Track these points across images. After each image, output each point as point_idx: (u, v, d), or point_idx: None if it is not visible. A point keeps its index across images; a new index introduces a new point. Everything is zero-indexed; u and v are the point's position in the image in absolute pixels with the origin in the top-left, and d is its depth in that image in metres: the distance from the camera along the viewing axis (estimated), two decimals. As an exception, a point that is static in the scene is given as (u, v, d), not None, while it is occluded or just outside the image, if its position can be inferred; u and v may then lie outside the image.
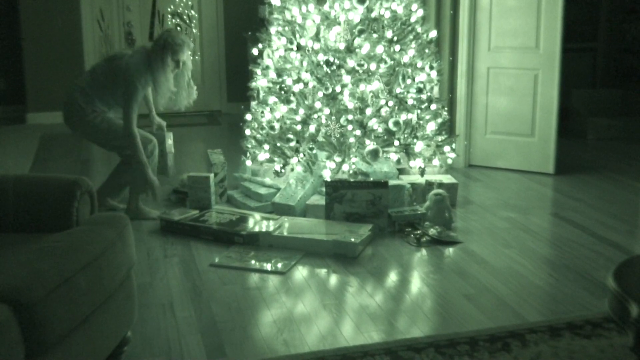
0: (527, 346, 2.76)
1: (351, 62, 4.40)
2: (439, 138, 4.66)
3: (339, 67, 4.40)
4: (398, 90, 4.49)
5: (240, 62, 7.39)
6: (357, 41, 4.44)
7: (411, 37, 4.60)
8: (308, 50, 4.49)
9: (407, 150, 4.52)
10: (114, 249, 2.46)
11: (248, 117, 4.84)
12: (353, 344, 2.80)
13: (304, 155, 4.44)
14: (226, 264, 3.63)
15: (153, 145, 4.29)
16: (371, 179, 4.27)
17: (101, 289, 2.36)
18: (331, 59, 4.38)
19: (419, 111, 4.57)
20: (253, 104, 4.83)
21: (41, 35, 7.17)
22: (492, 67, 5.37)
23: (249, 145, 4.77)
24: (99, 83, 4.20)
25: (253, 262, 3.65)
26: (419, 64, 4.62)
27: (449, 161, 4.79)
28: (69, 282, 2.17)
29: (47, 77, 7.18)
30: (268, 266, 3.59)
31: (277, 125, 4.51)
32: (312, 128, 4.41)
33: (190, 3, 7.82)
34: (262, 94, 4.70)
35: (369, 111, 4.41)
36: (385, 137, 4.43)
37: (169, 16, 7.78)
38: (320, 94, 4.41)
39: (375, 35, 4.47)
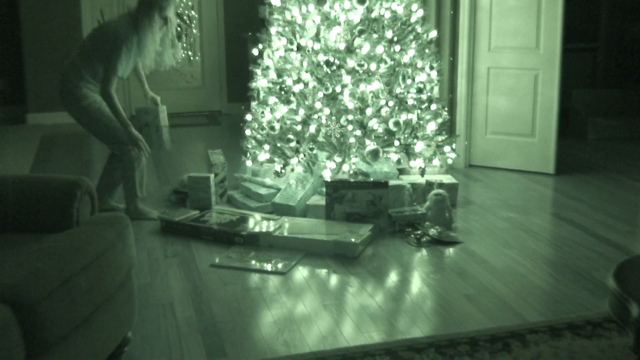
0: (527, 346, 2.76)
1: (351, 63, 4.40)
2: (439, 138, 4.66)
3: (339, 67, 4.40)
4: (398, 90, 4.49)
5: (240, 62, 7.39)
6: (357, 41, 4.44)
7: (411, 37, 4.60)
8: (308, 51, 4.49)
9: (407, 151, 4.52)
10: (114, 250, 2.46)
11: (248, 117, 4.84)
12: (353, 344, 2.80)
13: (304, 155, 4.44)
14: (226, 264, 3.63)
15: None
16: (371, 179, 4.27)
17: (101, 290, 2.36)
18: (331, 59, 4.38)
19: (419, 111, 4.57)
20: (253, 104, 4.83)
21: (41, 36, 7.17)
22: (492, 67, 5.37)
23: (249, 146, 4.77)
24: (87, 54, 4.15)
25: (253, 262, 3.65)
26: (419, 64, 4.62)
27: (449, 161, 4.79)
28: (70, 283, 2.17)
29: (48, 78, 7.17)
30: (268, 266, 3.59)
31: (277, 126, 4.51)
32: (312, 128, 4.41)
33: (190, 3, 7.83)
34: (262, 95, 4.70)
35: (369, 111, 4.41)
36: (386, 137, 4.43)
37: (169, 16, 7.77)
38: (320, 94, 4.41)
39: (375, 36, 4.47)
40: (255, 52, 4.85)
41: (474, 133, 5.51)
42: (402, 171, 4.68)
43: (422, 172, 4.56)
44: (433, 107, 4.63)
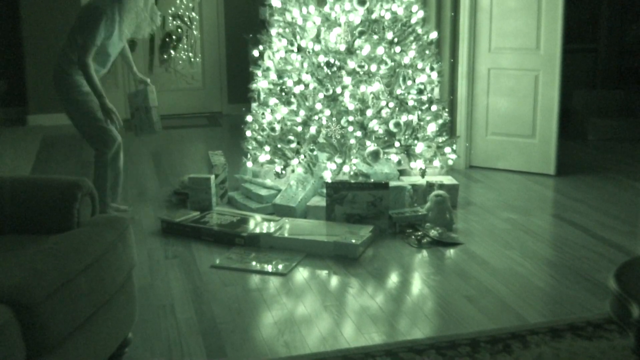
0: (528, 347, 2.76)
1: (352, 64, 4.40)
2: (440, 139, 4.66)
3: (340, 68, 4.40)
4: (399, 91, 4.49)
5: (241, 63, 7.39)
6: (358, 42, 4.44)
7: (412, 38, 4.60)
8: (309, 52, 4.49)
9: (407, 152, 4.52)
10: (115, 251, 2.46)
11: (249, 118, 4.84)
12: (354, 345, 2.80)
13: (305, 156, 4.44)
14: (227, 265, 3.63)
15: (118, 144, 4.27)
16: (372, 180, 4.27)
17: (102, 290, 2.36)
18: (332, 61, 4.38)
19: (419, 112, 4.57)
20: (254, 105, 4.83)
21: (42, 37, 7.17)
22: (492, 68, 5.37)
23: (250, 147, 4.77)
24: (73, 35, 4.14)
25: (254, 263, 3.65)
26: (420, 65, 4.62)
27: (450, 162, 4.79)
28: (70, 284, 2.17)
29: (48, 79, 7.13)
30: (269, 267, 3.59)
31: (277, 127, 4.51)
32: (312, 129, 4.41)
33: (191, 5, 7.83)
34: (262, 96, 4.70)
35: (369, 112, 4.41)
36: (386, 138, 4.43)
37: (170, 18, 7.78)
38: (320, 96, 4.41)
39: (375, 37, 4.47)
40: (255, 53, 4.85)
41: (474, 134, 5.51)
42: (402, 172, 4.68)
43: (423, 173, 4.56)
44: (433, 108, 4.63)
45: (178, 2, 7.78)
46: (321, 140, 4.41)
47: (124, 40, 4.29)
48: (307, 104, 4.46)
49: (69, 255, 2.27)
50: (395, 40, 4.51)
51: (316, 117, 4.42)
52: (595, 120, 6.58)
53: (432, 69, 4.69)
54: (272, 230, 3.92)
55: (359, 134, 4.38)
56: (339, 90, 4.39)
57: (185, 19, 7.84)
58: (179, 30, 7.82)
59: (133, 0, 4.10)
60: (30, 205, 2.59)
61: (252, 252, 3.79)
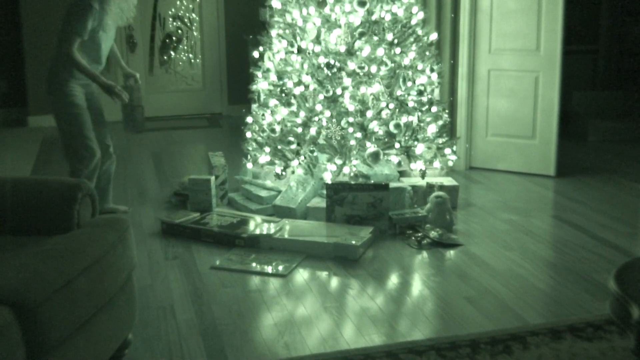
0: (528, 349, 2.76)
1: (352, 65, 4.40)
2: (440, 140, 4.66)
3: (340, 69, 4.40)
4: (399, 92, 4.49)
5: (241, 64, 7.39)
6: (358, 44, 4.44)
7: (412, 39, 4.60)
8: (309, 53, 4.49)
9: (407, 153, 4.52)
10: (115, 252, 2.46)
11: (249, 119, 4.85)
12: (354, 346, 2.80)
13: (305, 157, 4.44)
14: (227, 266, 3.63)
15: (96, 162, 4.24)
16: (372, 181, 4.27)
17: (102, 292, 2.36)
18: (332, 62, 4.38)
19: (419, 113, 4.57)
20: (254, 106, 4.83)
21: (42, 38, 7.17)
22: (492, 70, 5.37)
23: (250, 148, 4.77)
24: (60, 34, 4.13)
25: (254, 264, 3.65)
26: (420, 66, 4.62)
27: (450, 163, 4.78)
28: (70, 285, 2.17)
29: (49, 80, 7.16)
30: (269, 269, 3.59)
31: (277, 128, 4.51)
32: (312, 131, 4.41)
33: (191, 6, 7.83)
34: (263, 97, 4.70)
35: (369, 114, 4.41)
36: (386, 139, 4.43)
37: (170, 19, 7.79)
38: (321, 97, 4.41)
39: (375, 38, 4.47)
40: (255, 54, 4.86)
41: (474, 135, 5.51)
42: (402, 173, 4.68)
43: (423, 175, 4.56)
44: (434, 109, 4.63)
45: (178, 3, 7.79)
46: (321, 141, 4.41)
47: (109, 32, 4.27)
48: (307, 105, 4.46)
49: (69, 256, 2.27)
50: (396, 41, 4.51)
51: (316, 119, 4.42)
52: (595, 121, 6.59)
53: (432, 70, 4.69)
54: (272, 231, 3.92)
55: (359, 135, 4.38)
56: (339, 91, 4.39)
57: (186, 20, 7.85)
58: (179, 31, 7.83)
59: None
60: (31, 206, 2.59)
61: (252, 253, 3.79)
